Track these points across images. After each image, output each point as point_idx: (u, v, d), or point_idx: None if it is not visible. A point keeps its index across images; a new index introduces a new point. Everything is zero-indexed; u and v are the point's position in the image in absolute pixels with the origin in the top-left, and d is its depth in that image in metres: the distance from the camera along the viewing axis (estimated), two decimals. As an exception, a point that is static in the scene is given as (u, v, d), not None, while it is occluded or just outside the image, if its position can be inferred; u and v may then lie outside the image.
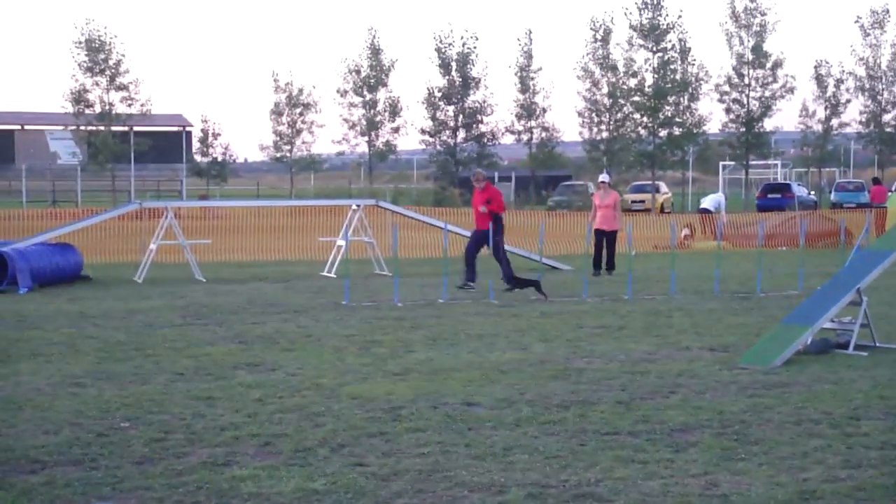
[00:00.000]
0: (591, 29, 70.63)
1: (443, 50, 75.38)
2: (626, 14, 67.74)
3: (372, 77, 76.01)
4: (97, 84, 69.72)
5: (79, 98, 69.35)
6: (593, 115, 71.08)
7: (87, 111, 69.63)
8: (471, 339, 14.41)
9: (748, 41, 69.43)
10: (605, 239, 23.42)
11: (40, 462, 8.22)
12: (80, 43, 69.29)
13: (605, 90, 70.35)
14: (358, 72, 75.97)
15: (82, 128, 71.09)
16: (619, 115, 70.39)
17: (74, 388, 11.09)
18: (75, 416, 9.79)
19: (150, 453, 8.45)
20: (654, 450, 8.49)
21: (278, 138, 77.08)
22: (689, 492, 7.37)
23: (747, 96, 70.16)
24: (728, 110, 70.47)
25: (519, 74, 74.96)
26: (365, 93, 76.03)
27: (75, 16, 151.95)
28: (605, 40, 70.44)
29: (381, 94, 76.30)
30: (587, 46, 71.13)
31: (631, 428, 9.23)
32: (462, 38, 75.75)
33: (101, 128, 69.78)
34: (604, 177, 24.54)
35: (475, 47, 75.43)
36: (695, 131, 70.32)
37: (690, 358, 12.93)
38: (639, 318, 16.69)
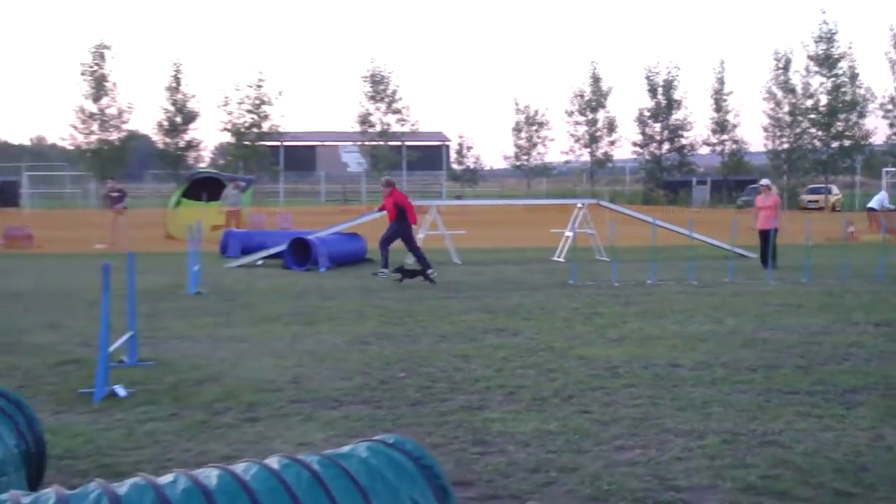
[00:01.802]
0: (775, 59, 69.26)
1: (651, 77, 74.77)
2: (803, 46, 65.97)
3: (593, 100, 75.74)
4: (378, 109, 71.46)
5: (364, 120, 71.36)
6: (776, 129, 69.20)
7: (369, 130, 71.45)
8: (674, 313, 14.19)
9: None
10: (768, 236, 22.08)
11: (338, 401, 8.47)
12: (367, 77, 71.13)
13: (785, 109, 68.46)
14: (582, 96, 75.92)
15: (366, 143, 72.92)
16: (797, 130, 68.34)
17: (362, 346, 11.38)
18: (363, 366, 10.05)
19: (420, 397, 8.61)
20: (829, 407, 8.20)
21: (518, 150, 77.83)
22: (858, 443, 7.10)
23: (908, 113, 67.03)
24: (892, 125, 67.29)
25: (714, 97, 73.59)
26: (587, 113, 75.87)
27: (363, 55, 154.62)
28: (786, 68, 68.66)
29: (601, 114, 76.04)
30: (771, 73, 69.74)
31: (809, 388, 8.94)
32: (667, 67, 75.35)
33: (381, 143, 71.42)
34: (765, 181, 23.49)
35: (677, 75, 74.69)
36: (862, 143, 67.84)
37: (859, 332, 12.42)
38: (815, 297, 16.12)
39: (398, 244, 19.93)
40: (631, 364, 10.14)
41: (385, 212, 19.98)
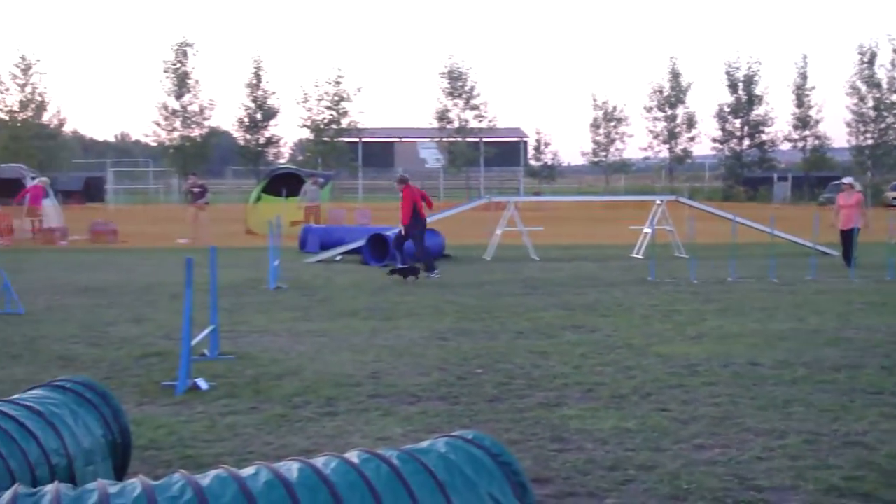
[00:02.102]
0: (859, 53, 68.02)
1: (731, 72, 73.88)
2: (889, 40, 64.69)
3: (672, 96, 75.08)
4: (456, 105, 71.59)
5: (442, 116, 71.52)
6: (859, 125, 67.98)
7: (447, 126, 71.61)
8: (755, 311, 14.00)
9: None
10: (849, 235, 21.40)
11: (416, 396, 8.50)
12: (445, 73, 71.31)
13: (870, 104, 67.22)
14: (661, 91, 75.31)
15: (444, 139, 73.08)
16: (882, 125, 67.05)
17: (440, 341, 11.40)
18: (441, 362, 10.07)
19: (498, 394, 8.61)
20: (915, 408, 8.03)
21: (596, 146, 77.48)
22: (946, 444, 6.94)
23: None
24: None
25: (796, 92, 72.46)
26: (666, 108, 75.23)
27: (441, 51, 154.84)
28: (871, 62, 67.37)
29: (680, 110, 75.37)
30: (855, 67, 68.47)
31: (893, 389, 8.74)
32: (748, 62, 74.32)
33: (458, 139, 71.52)
34: (848, 179, 22.89)
35: (758, 70, 73.70)
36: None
37: (946, 331, 12.14)
38: (899, 296, 15.79)
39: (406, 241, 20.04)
40: (710, 362, 10.03)
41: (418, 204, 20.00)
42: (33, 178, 35.00)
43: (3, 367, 9.96)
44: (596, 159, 78.58)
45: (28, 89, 62.41)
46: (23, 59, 62.28)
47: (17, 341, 11.48)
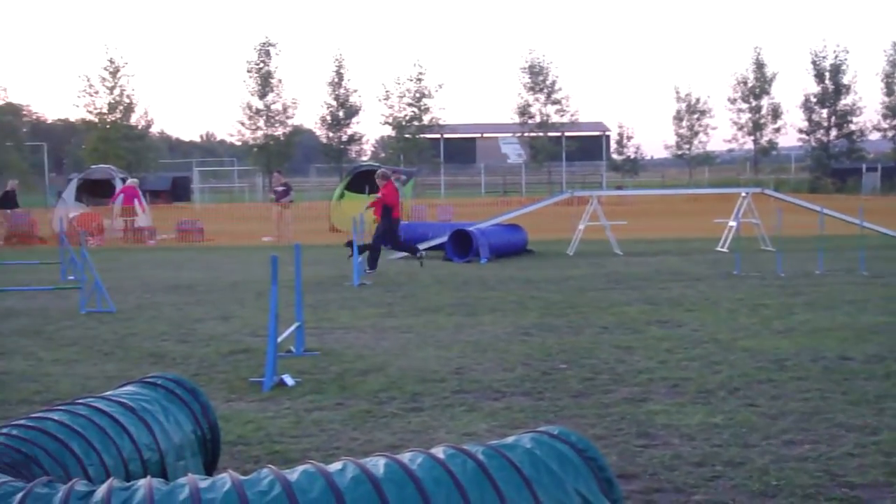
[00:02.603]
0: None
1: (818, 62, 72.52)
2: None
3: (757, 87, 73.99)
4: (537, 100, 71.41)
5: (523, 111, 71.38)
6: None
7: (529, 121, 71.45)
8: (844, 304, 13.72)
9: None
10: None
11: (501, 392, 8.49)
12: (526, 68, 71.17)
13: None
14: (745, 82, 74.26)
15: (526, 134, 72.94)
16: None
17: (524, 337, 11.38)
18: (525, 357, 10.05)
19: (583, 389, 8.56)
20: None
21: (679, 138, 76.77)
22: None
23: None
24: None
25: (885, 80, 70.91)
26: (751, 100, 74.15)
27: (522, 46, 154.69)
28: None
29: (765, 101, 74.20)
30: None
31: None
32: (834, 51, 72.81)
33: (540, 134, 71.32)
34: None
35: (846, 59, 72.33)
36: None
37: None
38: None
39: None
40: (799, 356, 9.85)
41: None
42: (123, 180, 35.73)
43: (96, 363, 10.18)
44: (679, 152, 77.87)
45: (116, 92, 63.57)
46: (111, 62, 63.47)
47: (109, 339, 11.73)
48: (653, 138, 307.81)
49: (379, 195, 19.96)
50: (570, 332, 11.62)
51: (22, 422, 4.81)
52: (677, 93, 78.25)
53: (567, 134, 73.82)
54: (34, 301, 15.63)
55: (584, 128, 77.61)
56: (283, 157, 67.84)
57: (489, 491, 3.71)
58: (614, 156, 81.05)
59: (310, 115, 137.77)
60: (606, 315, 13.00)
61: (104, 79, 63.47)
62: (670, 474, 6.09)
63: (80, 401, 5.21)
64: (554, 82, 71.76)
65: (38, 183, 64.65)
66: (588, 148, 78.05)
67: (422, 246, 23.21)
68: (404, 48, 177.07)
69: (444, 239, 22.64)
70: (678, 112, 76.89)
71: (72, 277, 18.15)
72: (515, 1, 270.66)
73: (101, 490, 3.65)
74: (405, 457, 3.91)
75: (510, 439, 4.19)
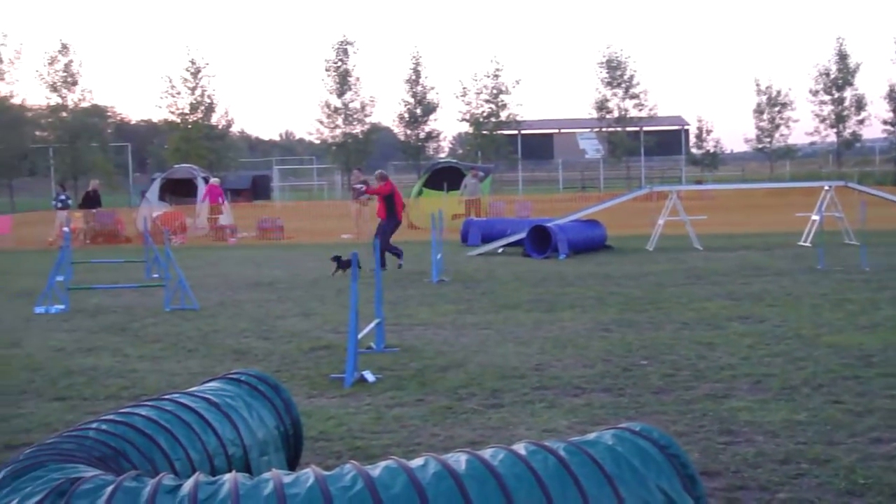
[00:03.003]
0: None
1: (903, 51, 70.88)
2: None
3: (839, 78, 72.55)
4: (615, 94, 70.95)
5: (601, 106, 70.96)
6: None
7: (607, 116, 71.04)
8: (933, 299, 13.44)
9: None
10: None
11: (581, 388, 8.46)
12: (603, 63, 70.76)
13: None
14: (827, 74, 72.83)
15: (604, 129, 72.52)
16: None
17: (604, 333, 11.33)
18: (605, 354, 10.00)
19: (664, 385, 8.50)
20: None
21: (760, 132, 75.73)
22: None
23: None
24: None
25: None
26: (833, 91, 72.74)
27: (600, 40, 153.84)
28: None
29: (848, 93, 72.68)
30: None
31: None
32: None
33: (618, 129, 70.87)
34: None
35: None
36: None
37: None
38: None
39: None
40: (886, 352, 9.65)
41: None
42: (205, 179, 36.24)
43: (180, 360, 10.36)
44: (760, 146, 76.75)
45: (197, 92, 64.47)
46: (192, 63, 64.40)
47: (193, 336, 11.93)
48: (733, 132, 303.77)
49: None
50: (650, 328, 11.54)
51: (110, 417, 4.91)
52: (757, 85, 76.96)
53: (645, 128, 73.17)
54: (120, 299, 15.94)
55: (663, 122, 76.89)
56: (362, 154, 68.18)
57: (571, 487, 3.71)
58: (693, 150, 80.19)
59: (388, 112, 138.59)
60: (687, 311, 12.87)
61: (186, 80, 64.42)
62: (754, 472, 6.01)
63: (166, 396, 5.30)
64: (632, 77, 71.23)
65: (123, 183, 65.95)
66: (667, 142, 77.32)
67: (500, 242, 23.23)
68: (482, 44, 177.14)
69: (523, 235, 22.59)
70: (758, 105, 75.80)
71: (156, 275, 18.51)
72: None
73: (188, 484, 3.72)
74: (486, 453, 3.92)
75: (591, 436, 4.17)
